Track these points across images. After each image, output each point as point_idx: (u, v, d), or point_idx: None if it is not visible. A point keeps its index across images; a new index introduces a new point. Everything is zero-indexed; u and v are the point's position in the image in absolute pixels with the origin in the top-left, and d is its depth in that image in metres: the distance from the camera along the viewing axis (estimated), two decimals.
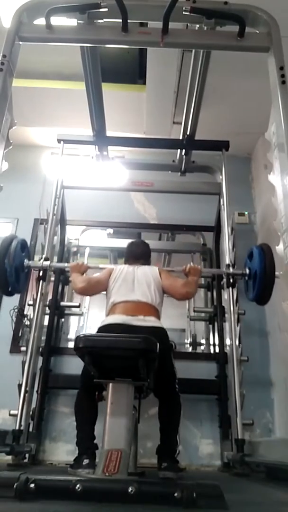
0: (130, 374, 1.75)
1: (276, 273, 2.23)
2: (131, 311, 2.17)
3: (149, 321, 2.15)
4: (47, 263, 2.59)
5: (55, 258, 3.16)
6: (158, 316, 2.25)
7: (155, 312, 2.24)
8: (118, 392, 1.75)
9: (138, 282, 2.33)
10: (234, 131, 3.62)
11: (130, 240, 2.82)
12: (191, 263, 2.57)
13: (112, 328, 2.08)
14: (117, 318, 2.16)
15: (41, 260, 2.60)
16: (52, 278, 3.05)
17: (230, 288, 2.61)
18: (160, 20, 1.89)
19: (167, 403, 2.13)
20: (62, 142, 3.15)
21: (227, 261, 2.67)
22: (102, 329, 2.14)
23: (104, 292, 2.43)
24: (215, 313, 3.14)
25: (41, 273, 2.60)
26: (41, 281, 2.60)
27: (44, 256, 2.63)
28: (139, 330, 2.03)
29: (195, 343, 3.61)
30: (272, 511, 1.16)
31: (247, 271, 2.51)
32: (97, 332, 2.15)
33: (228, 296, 2.64)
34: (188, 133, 3.11)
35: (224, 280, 2.72)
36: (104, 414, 1.74)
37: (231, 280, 2.60)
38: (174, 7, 1.86)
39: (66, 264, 2.75)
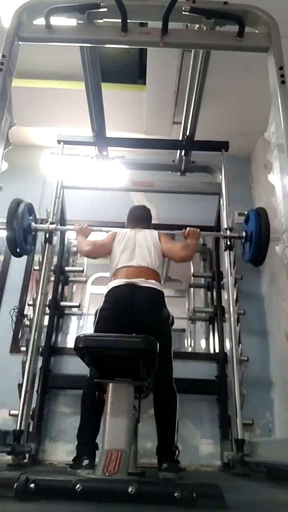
0: (130, 374, 1.75)
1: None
2: (132, 275, 2.27)
3: (150, 283, 2.24)
4: (53, 226, 2.74)
5: (55, 258, 3.17)
6: (158, 280, 2.34)
7: (156, 275, 2.33)
8: (118, 392, 1.75)
9: (139, 246, 2.43)
10: (234, 131, 3.62)
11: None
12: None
13: (118, 289, 2.23)
14: (121, 280, 2.26)
15: (47, 223, 2.75)
16: (52, 278, 3.06)
17: (228, 251, 2.77)
18: (159, 20, 1.89)
19: (163, 395, 2.07)
20: (62, 142, 3.16)
21: (225, 226, 2.82)
22: (109, 292, 2.26)
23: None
24: (215, 313, 3.14)
25: (47, 236, 2.77)
26: (47, 244, 2.77)
27: (50, 220, 2.78)
28: (141, 289, 2.20)
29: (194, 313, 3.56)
30: (272, 511, 1.16)
31: (244, 234, 2.67)
32: (106, 295, 2.27)
33: (226, 258, 2.76)
34: (188, 133, 3.11)
35: (222, 244, 2.85)
36: (104, 414, 1.74)
37: (228, 243, 2.77)
38: (174, 7, 1.86)
39: (71, 227, 2.86)
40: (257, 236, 2.50)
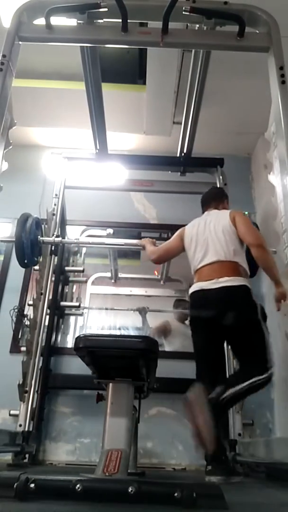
0: (130, 374, 1.75)
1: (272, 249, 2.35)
2: (205, 276, 2.14)
3: (221, 282, 2.05)
4: (58, 239, 2.86)
5: (55, 258, 3.16)
6: (233, 273, 2.09)
7: (229, 268, 2.11)
8: (118, 392, 1.75)
9: (211, 238, 2.23)
10: (234, 131, 3.62)
11: None
12: None
13: (195, 297, 2.16)
14: (197, 285, 2.17)
15: (53, 237, 2.88)
16: (52, 278, 3.06)
17: None
18: (160, 20, 1.88)
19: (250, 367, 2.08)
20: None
21: None
22: (191, 297, 2.19)
23: None
24: None
25: (53, 248, 2.94)
26: (52, 256, 2.93)
27: (55, 233, 2.93)
28: (211, 294, 2.06)
29: None
30: (272, 511, 1.16)
31: None
32: (189, 299, 2.20)
33: None
34: (185, 150, 3.22)
35: None
36: (104, 414, 1.74)
37: None
38: (174, 7, 1.85)
39: (75, 240, 3.04)
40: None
